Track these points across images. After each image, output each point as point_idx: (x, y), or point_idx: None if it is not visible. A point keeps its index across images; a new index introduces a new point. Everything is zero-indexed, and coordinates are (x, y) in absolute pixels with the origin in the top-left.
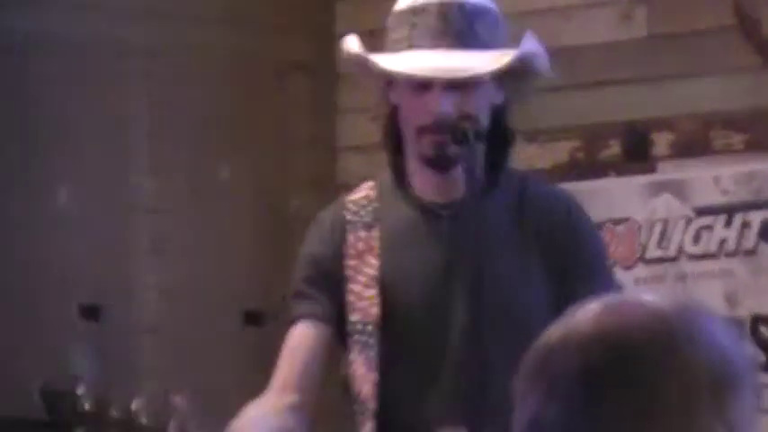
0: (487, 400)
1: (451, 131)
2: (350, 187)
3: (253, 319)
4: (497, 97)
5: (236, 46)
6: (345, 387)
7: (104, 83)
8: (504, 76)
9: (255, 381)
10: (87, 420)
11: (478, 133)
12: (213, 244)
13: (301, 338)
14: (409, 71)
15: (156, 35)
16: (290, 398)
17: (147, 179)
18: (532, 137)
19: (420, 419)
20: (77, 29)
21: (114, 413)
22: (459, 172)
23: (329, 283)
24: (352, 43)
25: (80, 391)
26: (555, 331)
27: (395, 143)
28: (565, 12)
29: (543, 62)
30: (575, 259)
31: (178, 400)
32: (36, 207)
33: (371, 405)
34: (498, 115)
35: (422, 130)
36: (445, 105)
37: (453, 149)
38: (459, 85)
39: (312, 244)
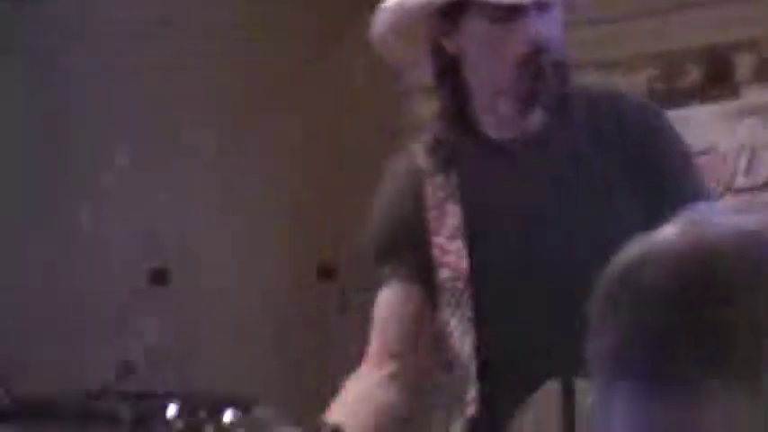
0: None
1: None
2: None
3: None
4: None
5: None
6: (440, 348)
7: None
8: None
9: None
10: None
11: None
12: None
13: (390, 303)
14: None
15: None
16: (387, 368)
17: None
18: (608, 67)
19: (522, 376)
20: None
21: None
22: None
23: (411, 240)
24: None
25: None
26: (637, 248)
27: (453, 88)
28: None
29: None
30: (659, 163)
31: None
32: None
33: (472, 366)
34: None
35: (519, 62)
36: (543, 30)
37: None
38: (543, 9)
39: (388, 200)
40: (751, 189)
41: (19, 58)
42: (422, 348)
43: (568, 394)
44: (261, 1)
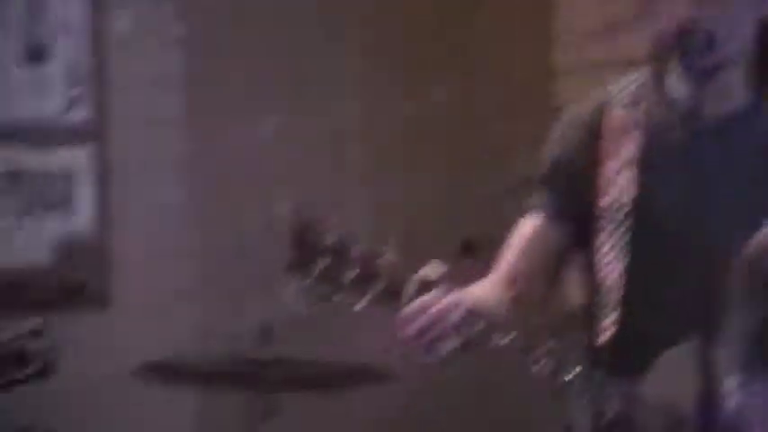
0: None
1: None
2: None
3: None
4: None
5: None
6: (585, 275)
7: None
8: None
9: None
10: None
11: (704, 50)
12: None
13: (530, 235)
14: None
15: None
16: (510, 292)
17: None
18: None
19: (658, 320)
20: None
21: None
22: (718, 86)
23: (575, 167)
24: None
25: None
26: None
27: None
28: None
29: None
30: None
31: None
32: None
33: (616, 294)
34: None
35: (670, 37)
36: (688, 12)
37: (701, 61)
38: None
39: (565, 126)
40: None
41: None
42: (540, 287)
43: (706, 359)
44: None
